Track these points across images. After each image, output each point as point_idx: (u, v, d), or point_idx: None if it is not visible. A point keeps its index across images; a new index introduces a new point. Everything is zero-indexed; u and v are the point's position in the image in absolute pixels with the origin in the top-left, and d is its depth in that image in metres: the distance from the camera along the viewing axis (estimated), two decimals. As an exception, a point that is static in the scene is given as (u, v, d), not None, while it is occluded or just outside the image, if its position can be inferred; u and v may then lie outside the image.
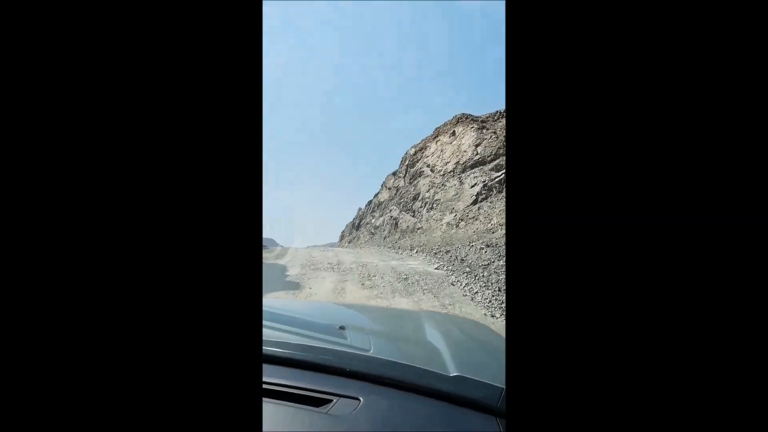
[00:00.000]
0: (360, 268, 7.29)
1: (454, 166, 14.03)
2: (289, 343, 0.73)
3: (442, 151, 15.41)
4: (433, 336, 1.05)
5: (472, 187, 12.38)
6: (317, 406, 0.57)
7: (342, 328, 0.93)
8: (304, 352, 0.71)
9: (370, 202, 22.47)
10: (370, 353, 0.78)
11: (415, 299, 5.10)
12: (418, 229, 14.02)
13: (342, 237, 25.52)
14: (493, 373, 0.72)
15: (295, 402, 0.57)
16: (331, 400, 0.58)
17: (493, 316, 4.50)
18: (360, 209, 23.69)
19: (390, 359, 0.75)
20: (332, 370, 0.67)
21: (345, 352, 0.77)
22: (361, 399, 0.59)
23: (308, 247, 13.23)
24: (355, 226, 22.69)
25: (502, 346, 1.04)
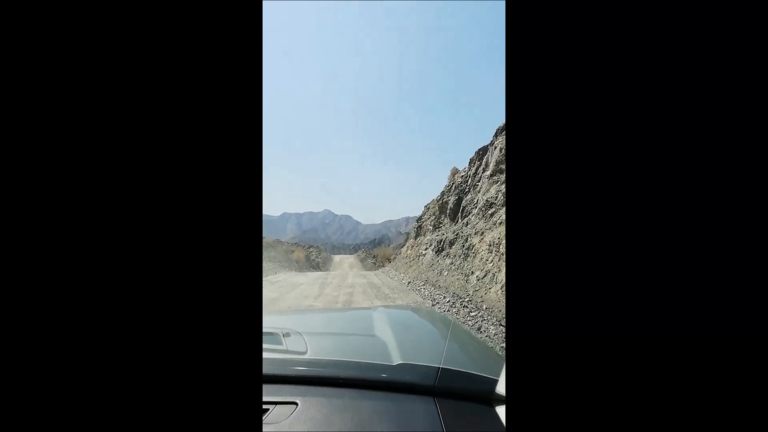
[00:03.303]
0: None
1: None
2: None
3: None
4: (381, 329, 0.99)
5: None
6: None
7: (285, 334, 0.87)
8: None
9: (483, 152, 10.06)
10: (307, 355, 0.75)
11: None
12: None
13: (419, 225, 14.02)
14: (435, 354, 0.75)
15: None
16: (268, 409, 0.57)
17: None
18: (456, 172, 11.71)
19: (327, 358, 0.75)
20: (270, 378, 0.64)
21: (280, 359, 0.74)
22: (298, 402, 0.58)
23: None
24: (445, 207, 10.90)
25: (443, 324, 1.20)
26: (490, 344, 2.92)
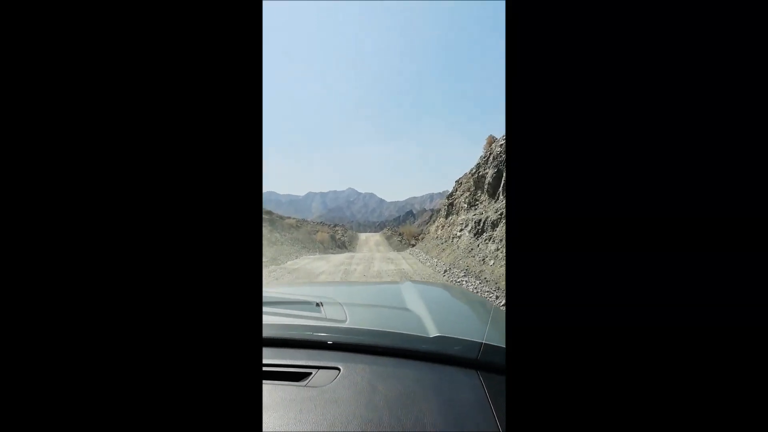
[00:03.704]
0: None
1: None
2: (265, 324, 0.66)
3: None
4: (413, 303, 0.96)
5: None
6: (297, 381, 0.56)
7: (319, 304, 0.89)
8: (280, 330, 0.69)
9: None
10: (346, 324, 0.76)
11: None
12: None
13: (450, 203, 12.67)
14: (473, 331, 0.78)
15: (275, 379, 0.55)
16: (311, 373, 0.57)
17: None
18: (493, 140, 10.15)
19: (366, 328, 0.74)
20: (310, 344, 0.66)
21: (321, 326, 0.75)
22: (341, 368, 0.58)
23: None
24: (482, 181, 9.48)
25: (479, 305, 1.25)
26: None
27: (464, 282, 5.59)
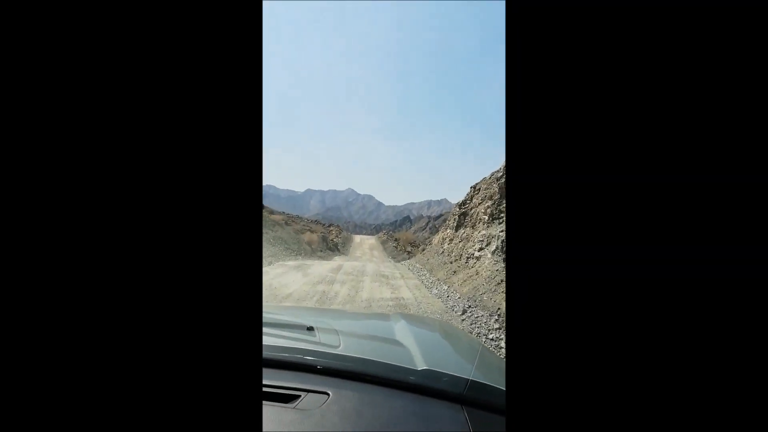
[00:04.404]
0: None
1: None
2: None
3: None
4: (402, 335, 1.00)
5: None
6: (285, 402, 0.56)
7: (310, 328, 0.89)
8: (273, 351, 0.70)
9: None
10: (339, 350, 0.76)
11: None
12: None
13: (462, 212, 10.52)
14: (460, 367, 0.79)
15: (264, 399, 0.55)
16: (300, 396, 0.58)
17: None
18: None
19: (357, 356, 0.75)
20: (301, 367, 0.67)
21: (314, 350, 0.76)
22: (330, 393, 0.59)
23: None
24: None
25: (468, 343, 1.28)
26: None
27: (501, 335, 3.45)
